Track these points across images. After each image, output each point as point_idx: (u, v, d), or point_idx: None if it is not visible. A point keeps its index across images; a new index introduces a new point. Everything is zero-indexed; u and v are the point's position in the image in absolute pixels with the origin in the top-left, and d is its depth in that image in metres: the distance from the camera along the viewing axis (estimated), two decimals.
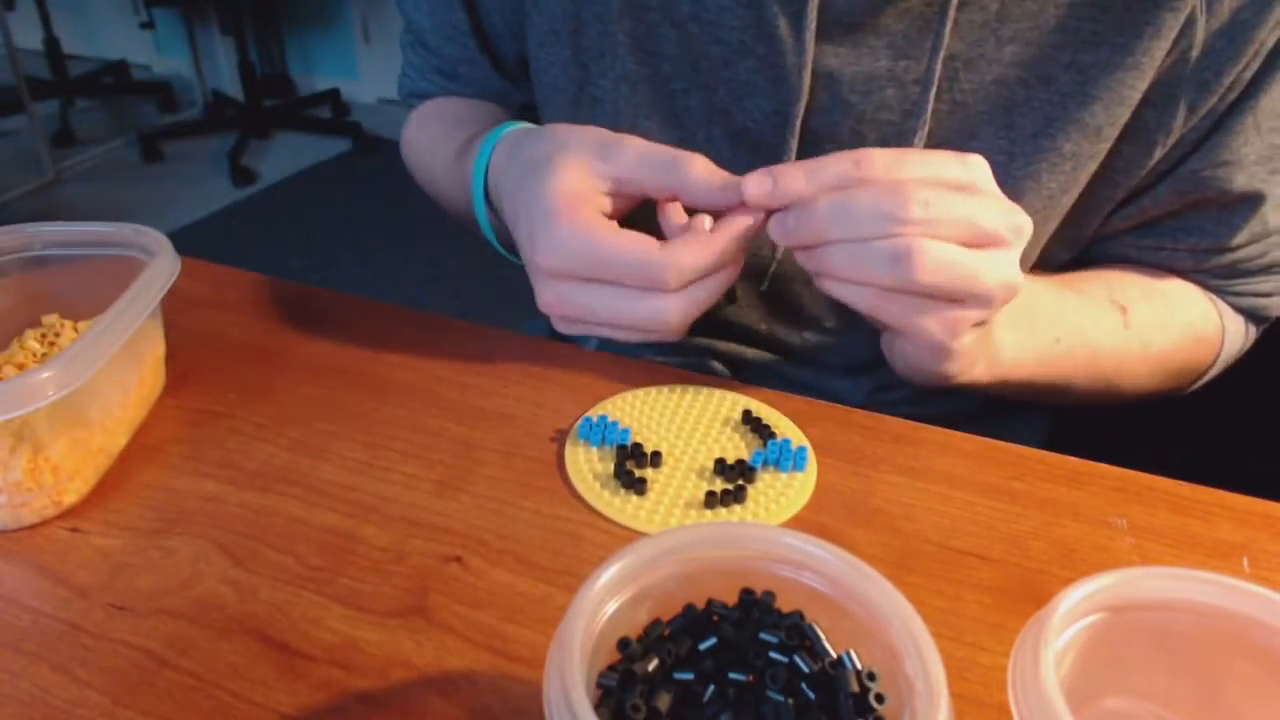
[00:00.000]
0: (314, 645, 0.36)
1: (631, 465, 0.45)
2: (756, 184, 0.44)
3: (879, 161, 0.42)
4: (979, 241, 0.42)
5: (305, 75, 3.60)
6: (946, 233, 0.41)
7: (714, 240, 0.44)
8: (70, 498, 0.42)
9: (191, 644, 0.36)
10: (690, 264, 0.43)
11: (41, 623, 0.37)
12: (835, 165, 0.43)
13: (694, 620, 0.30)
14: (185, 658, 0.35)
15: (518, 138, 0.52)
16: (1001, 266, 0.43)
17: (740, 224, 0.44)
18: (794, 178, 0.43)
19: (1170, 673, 0.30)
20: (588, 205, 0.45)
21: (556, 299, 0.45)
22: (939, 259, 0.41)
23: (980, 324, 0.45)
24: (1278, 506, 0.44)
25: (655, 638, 0.29)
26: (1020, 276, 0.44)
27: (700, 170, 0.45)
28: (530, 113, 0.70)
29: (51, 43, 3.32)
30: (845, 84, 0.53)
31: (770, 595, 0.30)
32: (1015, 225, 0.43)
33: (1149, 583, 0.29)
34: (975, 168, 0.43)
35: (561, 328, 0.47)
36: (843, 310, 0.56)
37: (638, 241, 0.44)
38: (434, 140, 0.68)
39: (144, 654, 0.35)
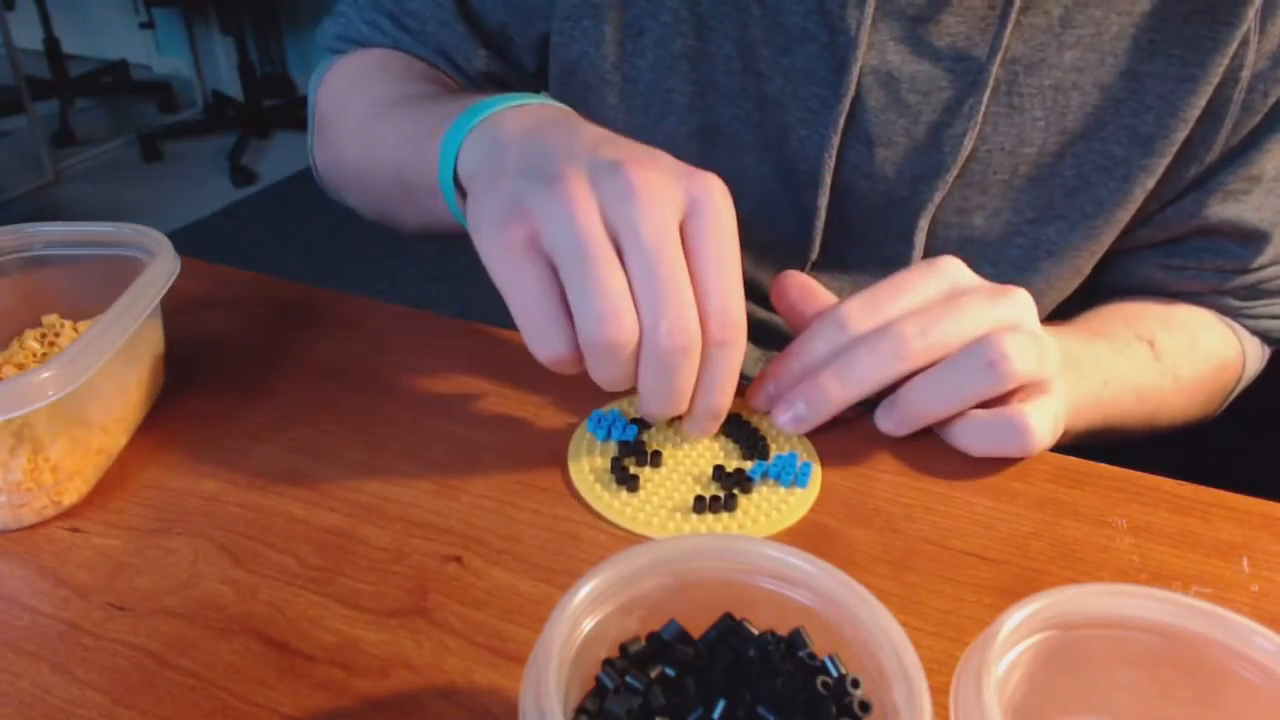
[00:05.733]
0: (314, 645, 0.36)
1: (629, 462, 0.45)
2: (762, 398, 0.46)
3: (857, 320, 0.43)
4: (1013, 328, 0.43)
5: (305, 75, 3.60)
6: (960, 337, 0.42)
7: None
8: (70, 498, 0.42)
9: (191, 644, 0.36)
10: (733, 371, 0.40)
11: (41, 623, 0.37)
12: (822, 337, 0.44)
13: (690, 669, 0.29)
14: (185, 658, 0.35)
15: (566, 113, 0.46)
16: (1032, 340, 0.43)
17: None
18: (789, 370, 0.45)
19: (1128, 690, 0.30)
20: None
21: (646, 176, 0.37)
22: (1018, 343, 0.42)
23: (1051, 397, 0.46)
24: (1278, 507, 0.44)
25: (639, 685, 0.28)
26: (1054, 344, 0.45)
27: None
28: (488, 82, 0.65)
29: (51, 43, 3.32)
30: (905, 82, 0.53)
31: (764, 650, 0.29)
32: (1017, 300, 0.43)
33: (1096, 600, 0.29)
34: (944, 271, 0.44)
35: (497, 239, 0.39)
36: None
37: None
38: (383, 78, 0.60)
39: (144, 654, 0.35)
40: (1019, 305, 0.43)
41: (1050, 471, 0.46)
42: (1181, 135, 0.52)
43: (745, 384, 0.55)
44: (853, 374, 0.43)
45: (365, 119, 0.59)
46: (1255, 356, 0.62)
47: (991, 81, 0.51)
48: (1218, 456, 0.69)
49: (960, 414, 0.44)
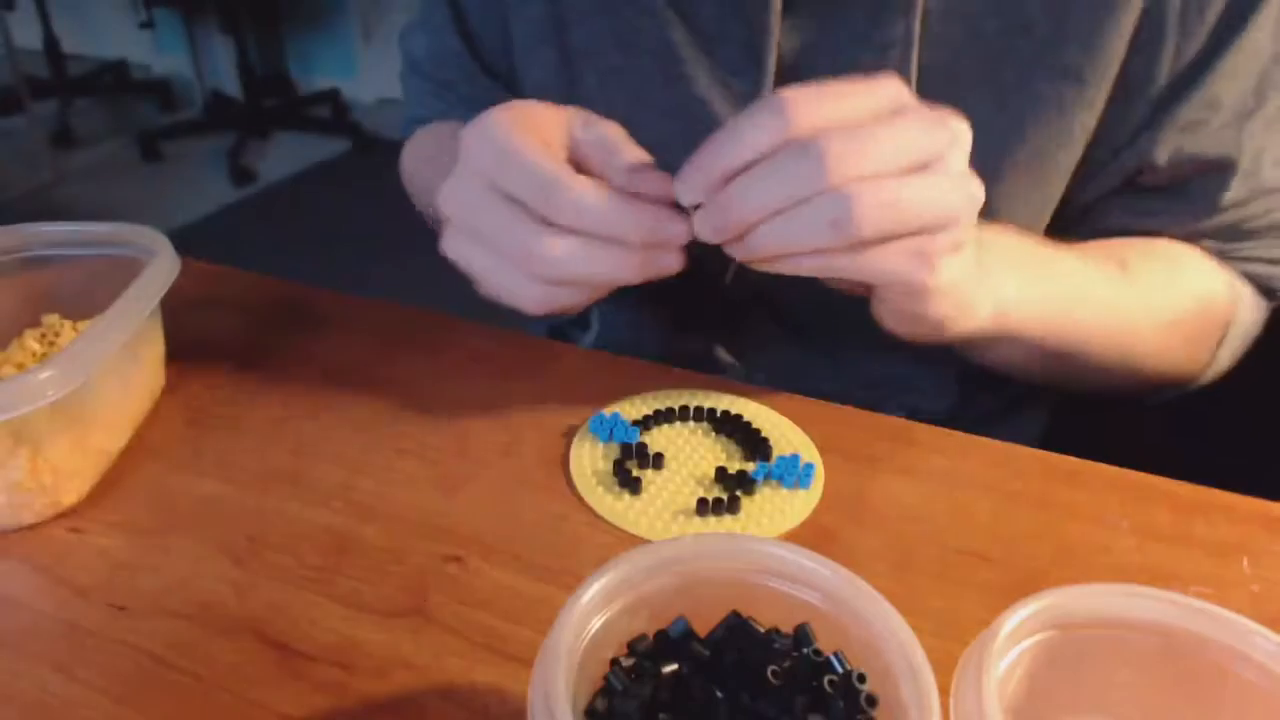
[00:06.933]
0: (314, 645, 0.36)
1: (631, 465, 0.45)
2: (686, 185, 0.40)
3: (797, 108, 0.38)
4: (917, 165, 0.39)
5: (305, 75, 3.60)
6: (877, 169, 0.38)
7: (632, 206, 0.40)
8: (70, 498, 0.42)
9: (191, 644, 0.36)
10: (592, 204, 0.40)
11: (41, 623, 0.37)
12: (756, 123, 0.38)
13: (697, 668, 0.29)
14: (185, 658, 0.35)
15: None
16: (949, 181, 0.39)
17: (660, 221, 0.41)
18: (720, 157, 0.39)
19: (1128, 690, 0.30)
20: (537, 123, 0.43)
21: (458, 201, 0.43)
22: (879, 201, 0.37)
23: (957, 250, 0.41)
24: (1278, 507, 0.44)
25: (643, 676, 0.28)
26: (978, 183, 0.41)
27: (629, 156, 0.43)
28: None
29: (51, 42, 3.31)
30: (823, 54, 0.53)
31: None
32: (952, 134, 0.39)
33: (1096, 600, 0.29)
34: (889, 88, 0.40)
35: (452, 251, 0.45)
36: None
37: (550, 155, 0.41)
38: (425, 151, 0.69)
39: (144, 654, 0.35)
40: (954, 139, 0.40)
41: (1050, 471, 0.46)
42: (1113, 68, 0.51)
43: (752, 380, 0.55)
44: (762, 191, 0.38)
45: (419, 187, 0.69)
46: (1250, 305, 0.59)
47: (916, 41, 0.51)
48: (1218, 456, 0.69)
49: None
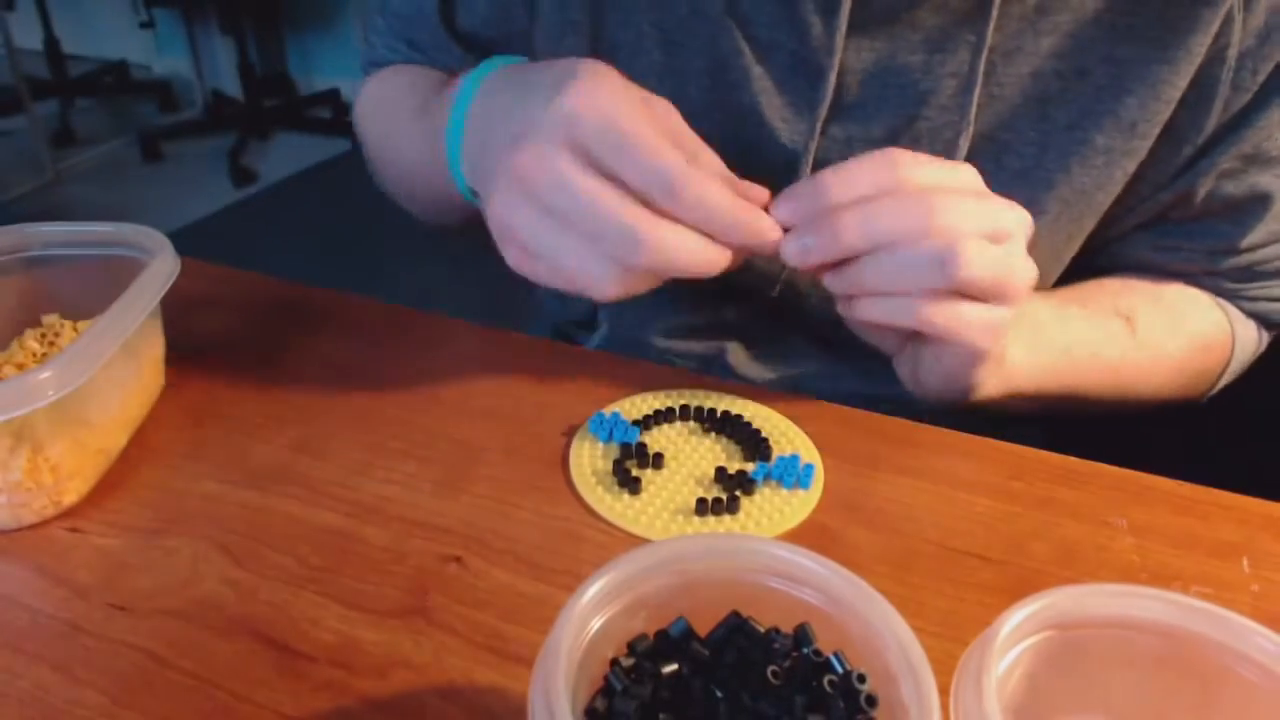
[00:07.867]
0: (314, 645, 0.36)
1: (631, 465, 0.45)
2: (789, 207, 0.43)
3: (905, 166, 0.42)
4: (999, 238, 0.43)
5: (305, 75, 3.60)
6: (974, 230, 0.42)
7: (749, 210, 0.41)
8: (70, 498, 0.42)
9: (191, 644, 0.36)
10: (718, 204, 0.40)
11: (41, 623, 0.37)
12: (870, 173, 0.42)
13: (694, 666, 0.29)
14: (185, 658, 0.35)
15: (521, 65, 0.48)
16: (1022, 258, 0.44)
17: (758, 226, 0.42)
18: (829, 188, 0.42)
19: (1128, 690, 0.30)
20: (638, 101, 0.42)
21: (537, 172, 0.40)
22: (980, 254, 0.41)
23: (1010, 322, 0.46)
24: (1278, 507, 0.44)
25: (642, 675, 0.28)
26: (1034, 267, 0.45)
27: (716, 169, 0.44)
28: None
29: (51, 43, 3.32)
30: (881, 78, 0.53)
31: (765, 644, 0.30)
32: (1020, 219, 0.44)
33: (1096, 600, 0.29)
34: (970, 173, 0.45)
35: (517, 222, 0.42)
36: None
37: (669, 143, 0.40)
38: (396, 95, 0.65)
39: (144, 654, 0.35)
40: (1023, 222, 0.44)
41: (1050, 471, 0.46)
42: (1164, 117, 0.52)
43: (747, 384, 0.55)
44: (874, 226, 0.41)
45: (388, 132, 0.65)
46: (1249, 340, 0.62)
47: (979, 79, 0.51)
48: (1218, 456, 0.69)
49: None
